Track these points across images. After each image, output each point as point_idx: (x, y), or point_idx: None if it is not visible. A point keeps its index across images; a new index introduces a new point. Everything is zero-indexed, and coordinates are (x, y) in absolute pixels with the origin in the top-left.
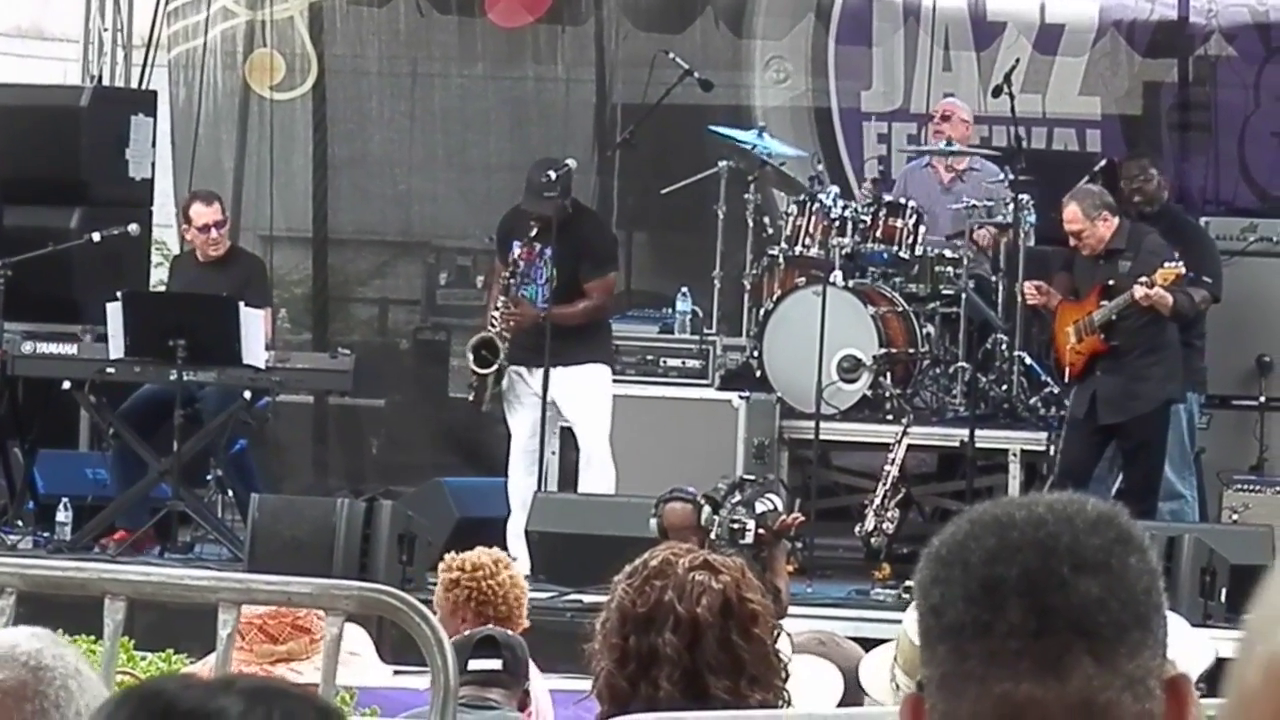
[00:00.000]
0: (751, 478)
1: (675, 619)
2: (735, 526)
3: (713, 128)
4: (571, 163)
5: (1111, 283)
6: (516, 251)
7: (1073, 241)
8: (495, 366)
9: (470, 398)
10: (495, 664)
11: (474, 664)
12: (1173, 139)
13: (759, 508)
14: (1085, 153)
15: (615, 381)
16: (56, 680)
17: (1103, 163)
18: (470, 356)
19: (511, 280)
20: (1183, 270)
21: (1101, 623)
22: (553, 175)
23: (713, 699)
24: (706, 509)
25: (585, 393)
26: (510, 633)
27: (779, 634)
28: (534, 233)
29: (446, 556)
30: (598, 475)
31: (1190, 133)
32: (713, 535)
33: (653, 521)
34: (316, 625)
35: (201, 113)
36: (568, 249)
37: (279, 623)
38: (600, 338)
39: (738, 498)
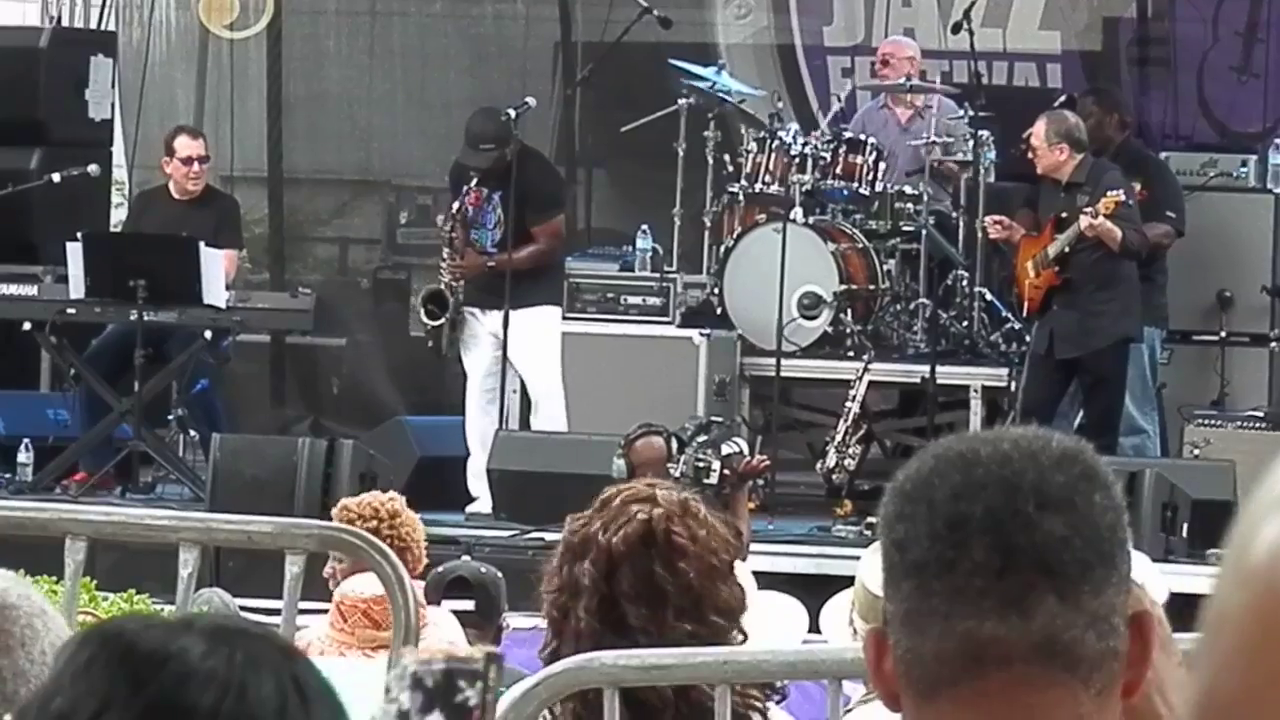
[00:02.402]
0: (719, 419)
1: (596, 549)
2: (700, 465)
3: (673, 60)
4: (531, 101)
5: (1065, 215)
6: (465, 196)
7: (1029, 153)
8: (444, 318)
9: (429, 345)
10: (467, 605)
11: (447, 605)
12: (1132, 74)
13: (725, 449)
14: (1045, 88)
15: (575, 319)
16: (22, 619)
17: (1063, 98)
18: (420, 311)
19: (454, 234)
20: (1121, 198)
21: (1066, 561)
22: (513, 114)
23: (631, 628)
24: (675, 444)
25: (532, 336)
26: (485, 568)
27: (726, 569)
28: (475, 181)
29: (346, 504)
30: (547, 420)
31: (1149, 67)
32: (677, 473)
33: (619, 461)
34: (424, 615)
35: (157, 52)
36: (514, 193)
37: (384, 609)
38: (549, 279)
39: (704, 438)
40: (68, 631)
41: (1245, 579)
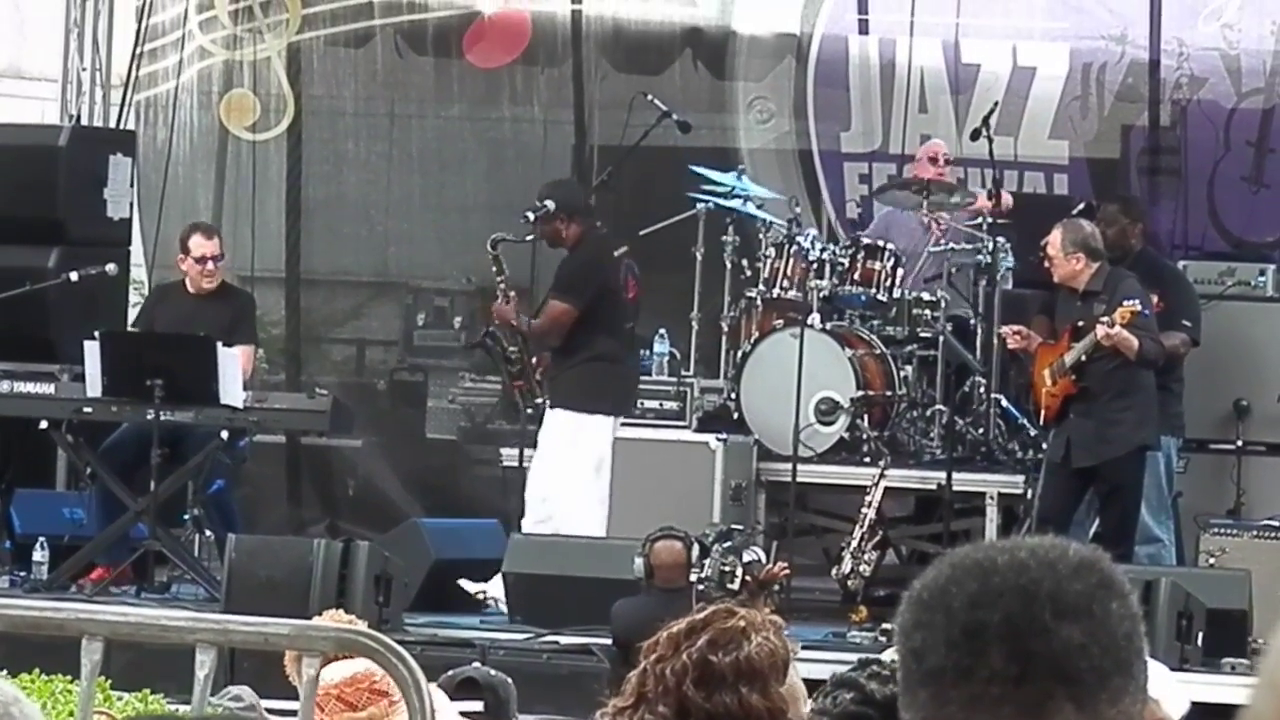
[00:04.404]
0: (739, 526)
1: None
2: (725, 570)
3: (694, 167)
4: (550, 204)
5: (1081, 324)
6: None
7: (1045, 263)
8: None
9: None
10: (477, 706)
11: (457, 706)
12: (1143, 182)
13: (746, 556)
14: (1060, 196)
15: None
16: None
17: (1081, 206)
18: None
19: (503, 283)
20: (1137, 307)
21: (1083, 669)
22: (531, 216)
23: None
24: (695, 550)
25: (543, 438)
26: (494, 672)
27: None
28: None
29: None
30: (530, 523)
31: (1160, 176)
32: (701, 577)
33: (638, 560)
34: (393, 688)
35: (178, 152)
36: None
37: (356, 690)
38: (581, 382)
39: (726, 544)
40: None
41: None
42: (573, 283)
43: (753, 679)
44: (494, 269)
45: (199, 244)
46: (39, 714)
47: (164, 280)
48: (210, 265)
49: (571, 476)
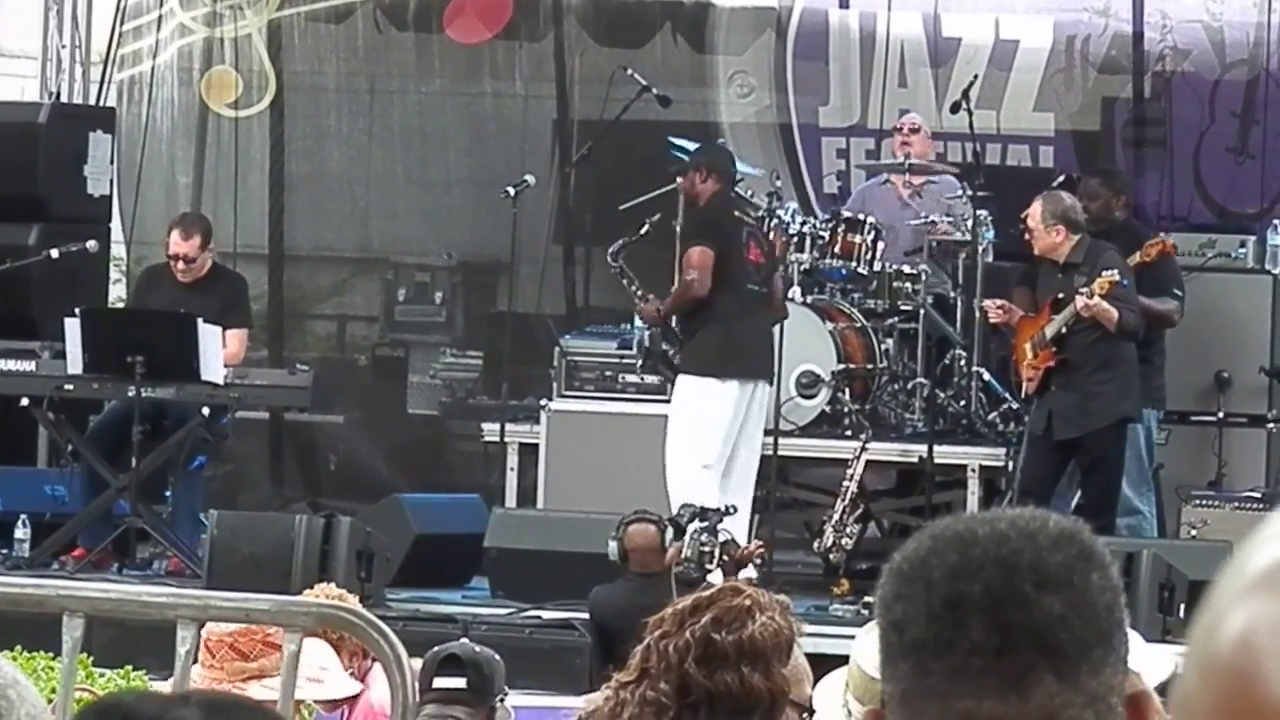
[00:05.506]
0: (713, 506)
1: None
2: (705, 550)
3: (672, 139)
4: (530, 178)
5: (1062, 296)
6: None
7: (1026, 235)
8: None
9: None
10: (459, 682)
11: (439, 682)
12: (1127, 155)
13: (721, 535)
14: (1043, 168)
15: (573, 397)
16: None
17: (1061, 178)
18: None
19: (629, 284)
20: (1116, 278)
21: (1064, 640)
22: (512, 191)
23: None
24: (670, 532)
25: (673, 403)
26: (479, 648)
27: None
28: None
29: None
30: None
31: (1145, 148)
32: (683, 556)
33: (612, 544)
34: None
35: (158, 129)
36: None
37: (250, 640)
38: (699, 346)
39: (701, 524)
40: (43, 701)
41: (1211, 669)
42: (703, 227)
43: (755, 659)
44: (624, 281)
45: (175, 242)
46: (37, 695)
47: (143, 258)
48: (183, 265)
49: (679, 440)
